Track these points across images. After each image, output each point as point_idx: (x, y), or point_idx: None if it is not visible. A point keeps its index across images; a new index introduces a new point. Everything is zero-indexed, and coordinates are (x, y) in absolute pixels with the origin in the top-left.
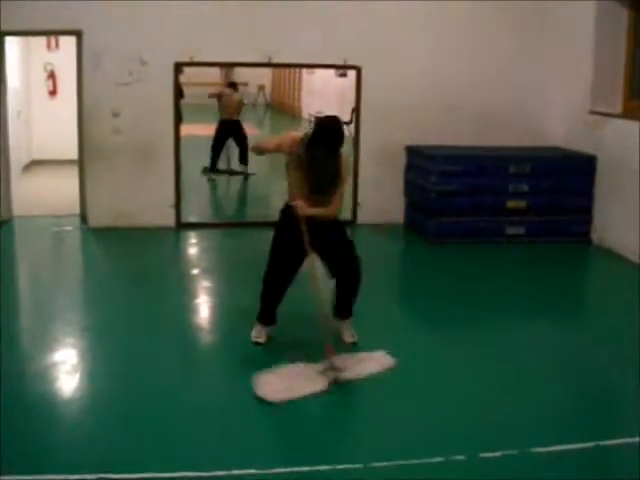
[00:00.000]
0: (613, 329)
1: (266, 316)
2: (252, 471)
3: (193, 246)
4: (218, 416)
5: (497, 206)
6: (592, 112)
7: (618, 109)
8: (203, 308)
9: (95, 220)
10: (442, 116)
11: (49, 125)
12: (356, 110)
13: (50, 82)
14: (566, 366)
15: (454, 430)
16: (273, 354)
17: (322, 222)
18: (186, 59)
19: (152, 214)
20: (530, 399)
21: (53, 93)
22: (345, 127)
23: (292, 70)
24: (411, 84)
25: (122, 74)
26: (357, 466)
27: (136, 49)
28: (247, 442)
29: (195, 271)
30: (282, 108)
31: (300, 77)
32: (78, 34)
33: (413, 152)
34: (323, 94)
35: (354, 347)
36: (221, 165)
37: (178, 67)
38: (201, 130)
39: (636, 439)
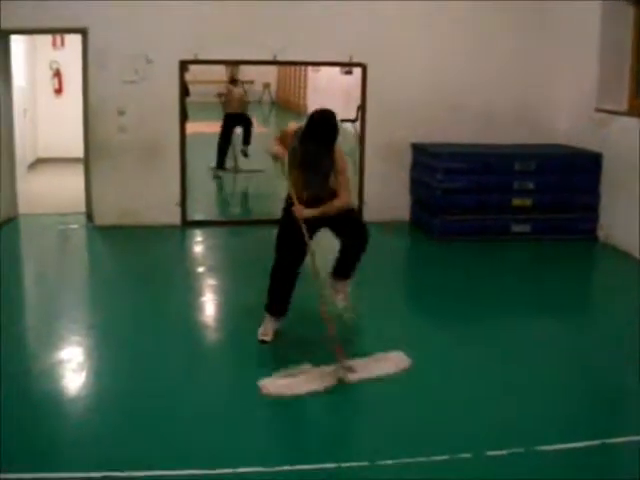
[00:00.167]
0: (619, 327)
1: (276, 307)
2: (258, 469)
3: (199, 244)
4: (224, 414)
5: (503, 204)
6: (598, 110)
7: (624, 106)
8: (209, 306)
9: (100, 218)
10: (448, 114)
11: (55, 123)
12: (362, 107)
13: (56, 80)
14: (572, 364)
15: (460, 428)
16: (278, 353)
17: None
18: (191, 57)
19: (158, 212)
20: (536, 397)
21: (59, 91)
22: (351, 124)
23: (297, 68)
24: (417, 81)
25: (128, 72)
26: (363, 464)
27: (141, 47)
28: (252, 440)
29: (201, 269)
30: (288, 106)
31: (306, 75)
32: (83, 32)
33: (419, 150)
34: (329, 92)
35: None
36: (228, 163)
37: (183, 65)
38: (207, 128)
39: None
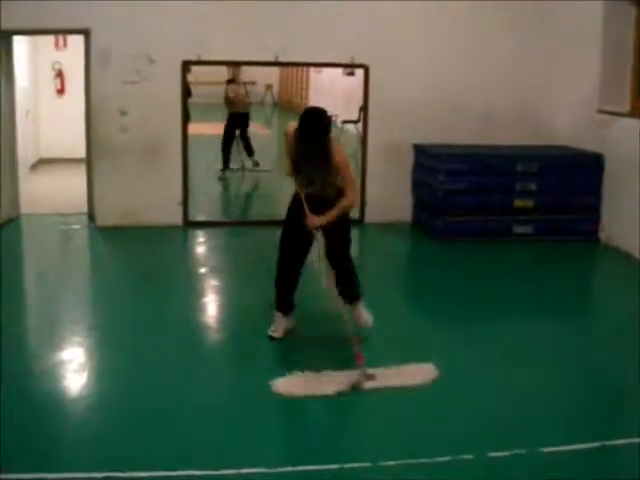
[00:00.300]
0: (620, 329)
1: (283, 304)
2: (261, 470)
3: (200, 245)
4: (225, 414)
5: (504, 205)
6: (600, 111)
7: (626, 108)
8: (210, 307)
9: (102, 218)
10: (449, 114)
11: (57, 124)
12: (364, 108)
13: (58, 81)
14: (573, 365)
15: (461, 429)
16: (281, 352)
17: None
18: (194, 58)
19: (159, 212)
20: (537, 398)
21: (61, 92)
22: (353, 125)
23: (300, 69)
24: (418, 82)
25: (130, 72)
26: (365, 465)
27: (144, 48)
28: (255, 441)
29: (202, 270)
30: (290, 107)
31: (308, 76)
32: (86, 33)
33: (420, 150)
34: (331, 93)
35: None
36: (234, 164)
37: (185, 66)
38: (210, 129)
39: None
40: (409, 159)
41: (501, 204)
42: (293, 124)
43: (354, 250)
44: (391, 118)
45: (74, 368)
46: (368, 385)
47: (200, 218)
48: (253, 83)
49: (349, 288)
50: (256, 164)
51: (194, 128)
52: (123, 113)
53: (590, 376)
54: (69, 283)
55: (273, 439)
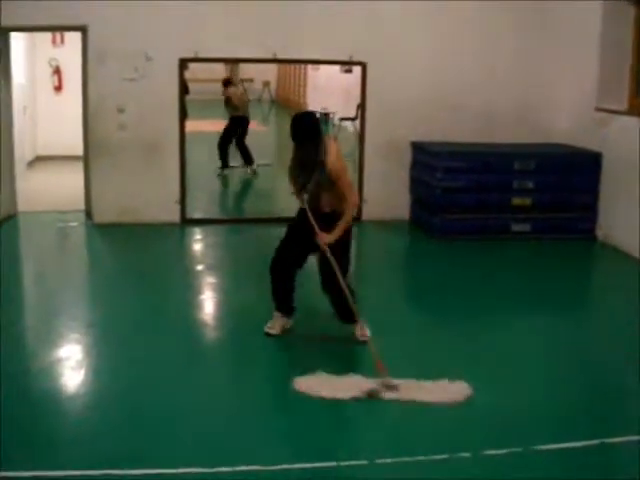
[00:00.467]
0: (618, 327)
1: (279, 304)
2: (257, 467)
3: (198, 242)
4: (222, 412)
5: (502, 203)
6: (598, 109)
7: (624, 106)
8: (208, 304)
9: (100, 216)
10: (447, 113)
11: (54, 121)
12: (361, 106)
13: (55, 78)
14: (571, 363)
15: (458, 427)
16: (280, 350)
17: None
18: (191, 55)
19: (157, 210)
20: (535, 396)
21: (58, 89)
22: (351, 123)
23: (297, 66)
24: (416, 80)
25: (127, 70)
26: (362, 462)
27: (141, 45)
28: (252, 438)
29: (200, 267)
30: (287, 104)
31: (305, 73)
32: (83, 30)
33: (418, 148)
34: (328, 90)
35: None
36: (234, 161)
37: (183, 63)
38: (208, 126)
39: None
40: (407, 157)
41: (499, 202)
42: None
43: (353, 249)
44: (389, 116)
45: (72, 366)
46: (388, 395)
47: (197, 215)
48: (251, 80)
49: (343, 311)
50: (254, 173)
51: (192, 125)
52: (120, 110)
53: (588, 373)
54: (67, 280)
55: (270, 437)
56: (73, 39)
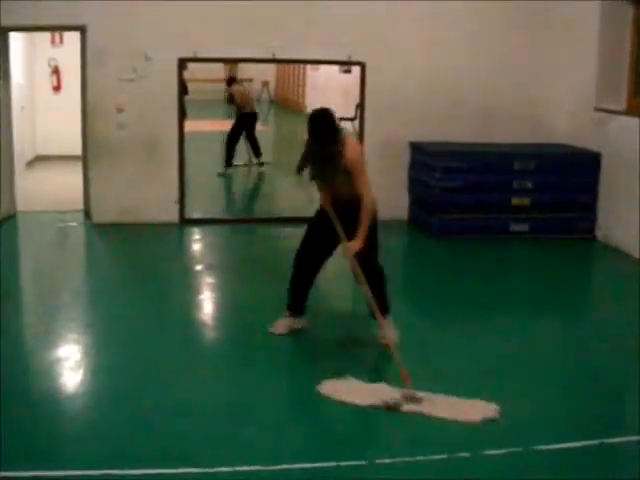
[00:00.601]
0: (618, 327)
1: (294, 305)
2: (257, 467)
3: (197, 242)
4: (222, 412)
5: (501, 203)
6: (597, 109)
7: (623, 106)
8: (207, 304)
9: (99, 216)
10: (446, 113)
11: (53, 121)
12: (360, 106)
13: (54, 78)
14: (570, 363)
15: (458, 427)
16: (280, 351)
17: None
18: (190, 55)
19: (156, 210)
20: (534, 396)
21: (57, 89)
22: (350, 123)
23: (296, 66)
24: (415, 80)
25: (126, 70)
26: (361, 463)
27: (140, 45)
28: (251, 438)
29: (199, 267)
30: (286, 104)
31: (304, 73)
32: (82, 30)
33: (417, 148)
34: (327, 90)
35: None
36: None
37: (182, 63)
38: (208, 126)
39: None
40: (406, 157)
41: (498, 202)
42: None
43: None
44: (388, 116)
45: (71, 366)
46: (407, 408)
47: (197, 215)
48: (250, 80)
49: (377, 299)
50: (261, 164)
51: (193, 125)
52: (119, 110)
53: (587, 373)
54: (65, 280)
55: (270, 437)
56: (72, 39)
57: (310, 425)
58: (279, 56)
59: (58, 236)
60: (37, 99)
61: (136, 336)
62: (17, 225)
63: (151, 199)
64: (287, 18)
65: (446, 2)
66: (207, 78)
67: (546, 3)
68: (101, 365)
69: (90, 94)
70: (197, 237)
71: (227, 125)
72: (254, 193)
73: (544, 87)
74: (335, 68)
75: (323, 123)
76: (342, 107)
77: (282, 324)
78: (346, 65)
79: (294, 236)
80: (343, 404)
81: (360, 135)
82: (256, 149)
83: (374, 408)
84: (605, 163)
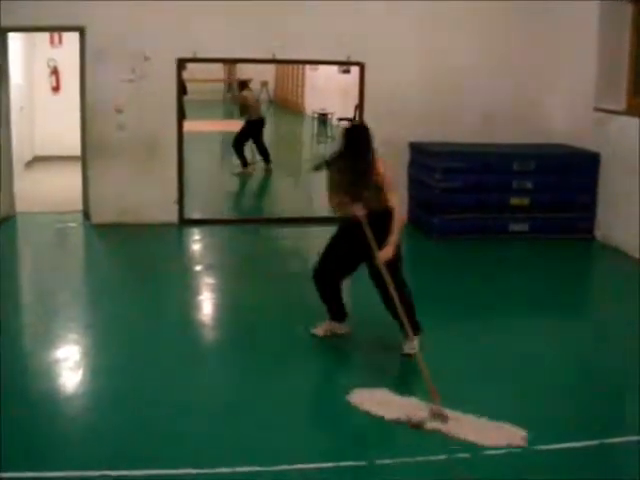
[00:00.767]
0: (618, 327)
1: (329, 310)
2: (256, 468)
3: (196, 242)
4: (220, 412)
5: (501, 203)
6: (596, 109)
7: (622, 106)
8: (206, 305)
9: (98, 216)
10: (446, 113)
11: (52, 121)
12: (359, 106)
13: (53, 78)
14: (570, 363)
15: None
16: (281, 351)
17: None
18: (189, 55)
19: (155, 210)
20: (533, 396)
21: (56, 89)
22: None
23: (295, 66)
24: (414, 81)
25: (125, 70)
26: (361, 463)
27: (139, 45)
28: (251, 439)
29: (198, 267)
30: (285, 104)
31: (303, 73)
32: (81, 30)
33: (417, 149)
34: (326, 90)
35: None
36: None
37: (181, 63)
38: (208, 126)
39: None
40: (405, 157)
41: (498, 202)
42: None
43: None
44: (387, 116)
45: (70, 366)
46: (431, 426)
47: (196, 216)
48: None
49: (401, 321)
50: (268, 170)
51: (193, 125)
52: (119, 111)
53: (587, 374)
54: (65, 281)
55: (269, 437)
56: (71, 39)
57: (310, 425)
58: (278, 56)
59: (57, 237)
60: (36, 100)
61: (136, 337)
62: (16, 226)
63: (150, 199)
64: (287, 18)
65: (446, 2)
66: (206, 78)
67: (546, 3)
68: (101, 366)
69: (89, 94)
70: (196, 237)
71: (226, 125)
72: (254, 193)
73: (544, 87)
74: (334, 68)
75: (360, 140)
76: (341, 107)
77: (322, 327)
78: (345, 65)
79: (294, 236)
80: (343, 404)
81: None
82: (266, 156)
83: (397, 423)
84: (604, 163)
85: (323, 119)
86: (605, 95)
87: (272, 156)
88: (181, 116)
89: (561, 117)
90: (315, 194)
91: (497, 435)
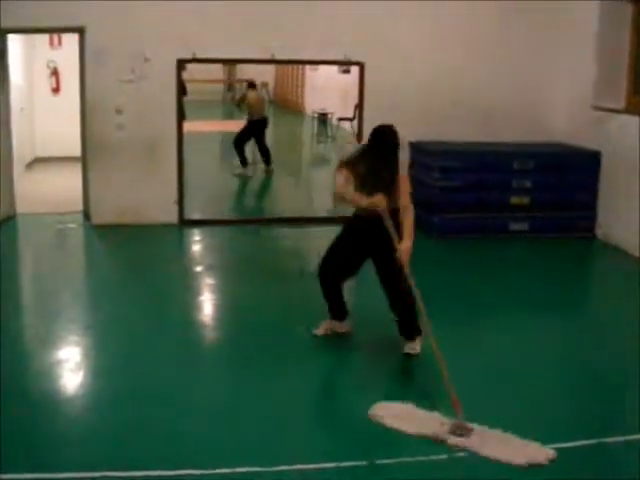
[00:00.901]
0: (618, 326)
1: (330, 308)
2: (256, 469)
3: (196, 243)
4: (221, 413)
5: (501, 202)
6: (596, 108)
7: (622, 104)
8: (207, 305)
9: (98, 217)
10: (445, 112)
11: (52, 122)
12: (359, 106)
13: (53, 79)
14: (570, 363)
15: None
16: (280, 351)
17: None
18: (189, 56)
19: (155, 211)
20: (533, 396)
21: (56, 90)
22: (349, 123)
23: (295, 66)
24: (414, 80)
25: (125, 71)
26: (362, 463)
27: (139, 46)
28: (251, 439)
29: (198, 268)
30: (285, 105)
31: (303, 73)
32: (81, 31)
33: (416, 148)
34: (326, 90)
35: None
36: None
37: (181, 64)
38: (208, 126)
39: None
40: (405, 157)
41: (498, 201)
42: (341, 163)
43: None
44: (387, 116)
45: (70, 367)
46: (453, 441)
47: (196, 216)
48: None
49: (401, 323)
50: (268, 171)
51: (193, 126)
52: (118, 112)
53: (587, 373)
54: (65, 282)
55: (269, 437)
56: (71, 40)
57: (310, 425)
58: (278, 56)
59: (57, 237)
60: (36, 101)
61: (136, 337)
62: (16, 227)
63: (150, 200)
64: (286, 18)
65: (446, 2)
66: (206, 79)
67: (546, 3)
68: (101, 366)
69: (89, 95)
70: (196, 238)
71: (226, 125)
72: (254, 194)
73: (543, 86)
74: (334, 68)
75: (391, 140)
76: (341, 107)
77: (322, 326)
78: (345, 65)
79: (294, 237)
80: (343, 404)
81: (359, 135)
82: (267, 157)
83: (421, 437)
84: (605, 162)
85: (323, 119)
86: (605, 94)
87: (272, 156)
88: (181, 117)
89: (561, 116)
90: (315, 194)
91: (520, 453)
